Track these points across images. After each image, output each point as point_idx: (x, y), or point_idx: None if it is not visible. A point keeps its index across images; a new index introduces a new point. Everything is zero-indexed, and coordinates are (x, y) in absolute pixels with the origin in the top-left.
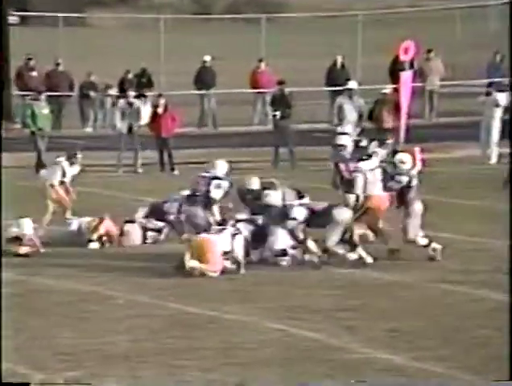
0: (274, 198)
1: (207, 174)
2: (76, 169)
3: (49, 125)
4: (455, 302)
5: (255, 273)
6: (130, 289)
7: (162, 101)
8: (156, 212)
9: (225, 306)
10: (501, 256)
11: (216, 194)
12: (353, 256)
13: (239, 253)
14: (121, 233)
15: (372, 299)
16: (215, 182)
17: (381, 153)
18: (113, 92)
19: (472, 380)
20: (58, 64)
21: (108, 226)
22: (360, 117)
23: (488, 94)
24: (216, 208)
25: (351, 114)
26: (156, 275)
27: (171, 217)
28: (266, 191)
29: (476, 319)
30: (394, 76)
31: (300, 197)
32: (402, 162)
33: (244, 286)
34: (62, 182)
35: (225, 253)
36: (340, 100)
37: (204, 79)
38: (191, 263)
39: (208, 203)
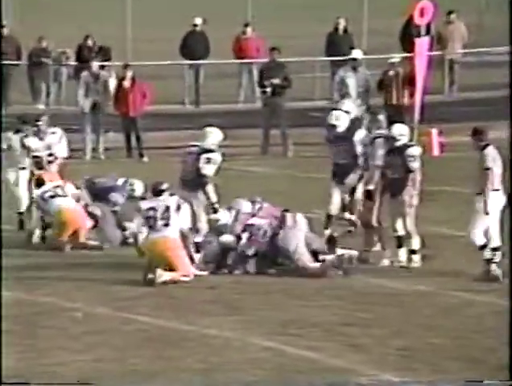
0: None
1: (193, 149)
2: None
3: None
4: (477, 315)
5: (240, 279)
6: (90, 300)
7: (129, 73)
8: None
9: (204, 320)
10: None
11: (208, 170)
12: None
13: (185, 226)
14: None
15: (381, 311)
16: (204, 156)
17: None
18: (71, 61)
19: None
20: (1, 27)
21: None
22: (366, 92)
23: None
24: (211, 188)
25: (355, 89)
26: (121, 282)
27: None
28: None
29: (502, 335)
30: (407, 43)
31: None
32: (403, 135)
33: (227, 296)
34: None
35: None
36: (343, 72)
37: (193, 47)
38: (162, 277)
39: (200, 183)
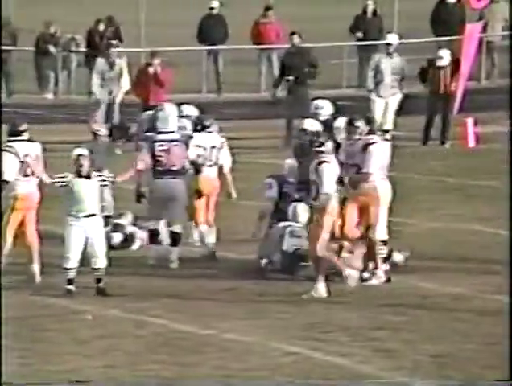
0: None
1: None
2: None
3: None
4: None
5: (261, 280)
6: (102, 302)
7: (156, 61)
8: None
9: (223, 323)
10: None
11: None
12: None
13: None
14: None
15: (412, 314)
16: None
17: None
18: (81, 47)
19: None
20: None
21: None
22: (401, 79)
23: None
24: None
25: (389, 77)
26: (134, 283)
27: None
28: None
29: None
30: (439, 26)
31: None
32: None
33: (247, 298)
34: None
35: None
36: (377, 58)
37: (210, 31)
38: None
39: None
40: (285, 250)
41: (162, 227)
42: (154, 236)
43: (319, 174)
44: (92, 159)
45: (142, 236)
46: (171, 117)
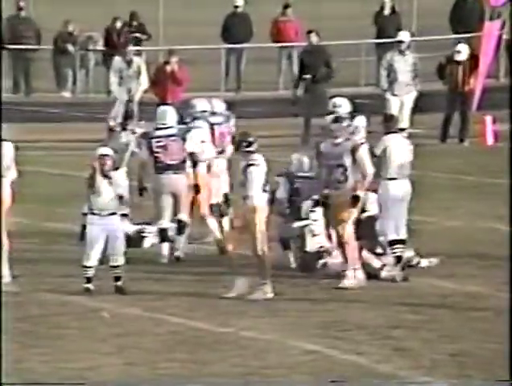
0: None
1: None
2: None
3: None
4: None
5: (279, 278)
6: (119, 299)
7: (173, 59)
8: None
9: (241, 321)
10: None
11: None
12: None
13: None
14: None
15: (430, 313)
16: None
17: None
18: (98, 46)
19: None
20: (20, 9)
21: None
22: (415, 77)
23: None
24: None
25: (404, 74)
26: (152, 281)
27: None
28: None
29: None
30: (457, 24)
31: None
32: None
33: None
34: None
35: None
36: (390, 56)
37: (234, 29)
38: None
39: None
40: (308, 251)
41: (168, 223)
42: (163, 233)
43: (247, 176)
44: (114, 159)
45: (152, 233)
46: (169, 113)
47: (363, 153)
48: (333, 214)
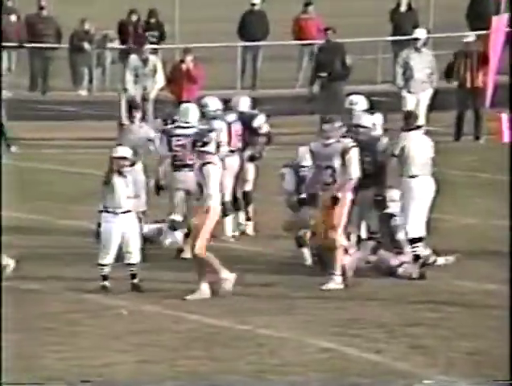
0: None
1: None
2: None
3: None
4: None
5: (295, 276)
6: (136, 297)
7: (189, 58)
8: None
9: (258, 318)
10: None
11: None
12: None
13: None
14: None
15: (447, 311)
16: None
17: None
18: (114, 43)
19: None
20: (42, 8)
21: None
22: (431, 74)
23: None
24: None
25: (420, 72)
26: (169, 279)
27: None
28: None
29: None
30: (474, 20)
31: None
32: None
33: (282, 293)
34: None
35: None
36: (406, 53)
37: (252, 27)
38: None
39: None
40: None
41: (180, 218)
42: (176, 224)
43: (203, 176)
44: (131, 159)
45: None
46: (191, 111)
47: (353, 156)
48: (321, 215)
